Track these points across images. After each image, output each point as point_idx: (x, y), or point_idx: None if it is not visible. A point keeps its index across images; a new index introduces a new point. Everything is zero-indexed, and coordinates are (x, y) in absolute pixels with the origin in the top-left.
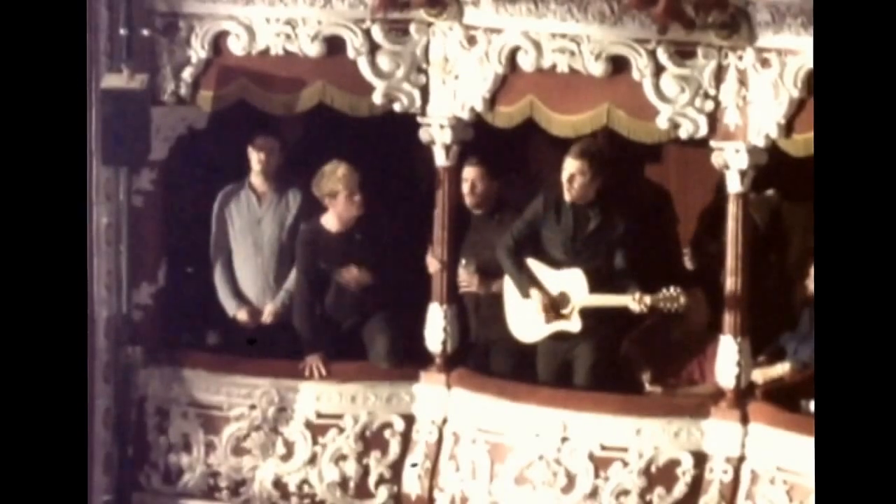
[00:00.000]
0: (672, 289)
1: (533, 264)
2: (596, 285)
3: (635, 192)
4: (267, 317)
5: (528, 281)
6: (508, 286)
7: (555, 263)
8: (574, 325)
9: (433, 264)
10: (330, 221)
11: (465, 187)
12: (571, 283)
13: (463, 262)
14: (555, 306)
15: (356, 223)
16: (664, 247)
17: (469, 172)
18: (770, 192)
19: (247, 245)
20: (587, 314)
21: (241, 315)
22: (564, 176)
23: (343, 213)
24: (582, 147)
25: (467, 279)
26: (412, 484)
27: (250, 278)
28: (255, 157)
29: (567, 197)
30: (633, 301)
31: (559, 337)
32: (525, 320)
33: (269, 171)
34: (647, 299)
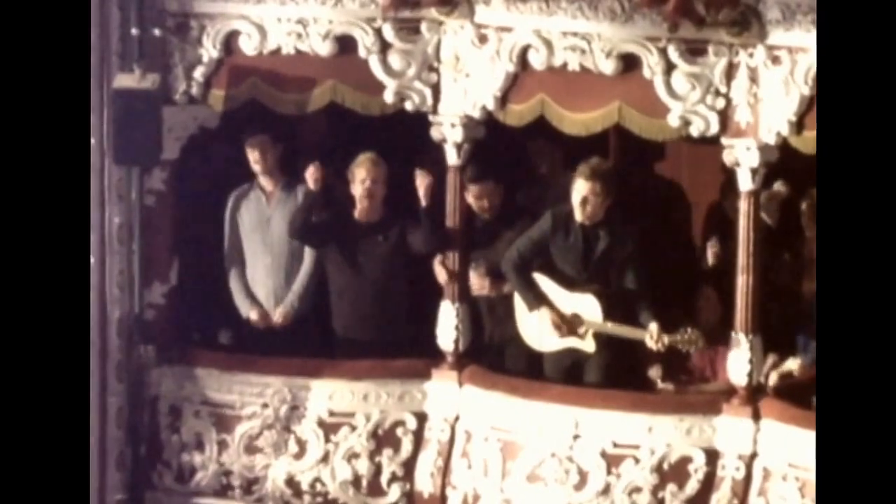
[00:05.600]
0: (690, 330)
1: (544, 282)
2: (610, 309)
3: (645, 192)
4: (278, 318)
5: (536, 298)
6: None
7: (567, 282)
8: (588, 345)
9: (441, 273)
10: (358, 211)
11: (477, 205)
12: (585, 307)
13: (473, 265)
14: (567, 323)
15: (380, 223)
16: (676, 251)
17: (479, 191)
18: (778, 186)
19: (256, 245)
20: (601, 337)
21: (253, 316)
22: (576, 198)
23: (360, 205)
24: (593, 167)
25: (479, 283)
26: (424, 482)
27: (261, 279)
28: (251, 157)
29: (579, 217)
30: (650, 339)
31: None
32: (537, 331)
33: (270, 169)
34: (665, 339)
